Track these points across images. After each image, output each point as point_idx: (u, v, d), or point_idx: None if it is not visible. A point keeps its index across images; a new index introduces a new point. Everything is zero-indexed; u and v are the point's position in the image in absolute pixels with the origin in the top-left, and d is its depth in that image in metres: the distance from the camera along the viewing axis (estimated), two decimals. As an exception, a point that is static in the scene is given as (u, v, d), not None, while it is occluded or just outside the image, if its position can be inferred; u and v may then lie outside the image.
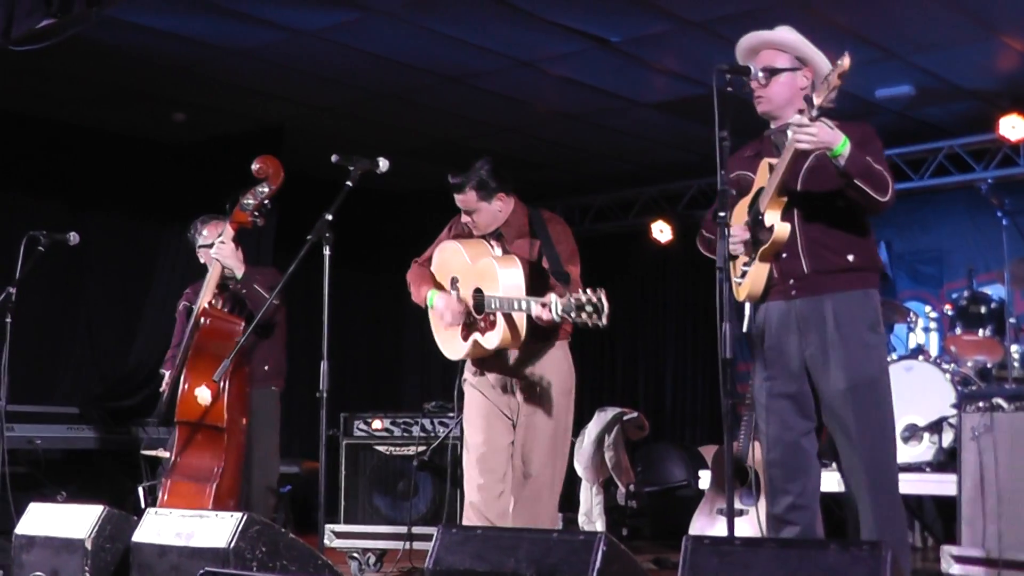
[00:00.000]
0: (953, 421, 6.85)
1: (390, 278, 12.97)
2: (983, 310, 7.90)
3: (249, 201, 6.10)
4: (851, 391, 4.57)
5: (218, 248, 6.18)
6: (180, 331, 6.65)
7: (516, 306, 5.14)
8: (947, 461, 7.04)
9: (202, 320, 6.04)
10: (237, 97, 9.72)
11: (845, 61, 4.24)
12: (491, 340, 5.33)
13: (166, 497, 5.77)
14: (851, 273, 4.67)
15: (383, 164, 5.46)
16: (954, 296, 8.22)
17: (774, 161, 4.65)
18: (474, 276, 5.43)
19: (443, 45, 8.52)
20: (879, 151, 4.66)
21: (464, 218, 5.62)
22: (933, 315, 8.61)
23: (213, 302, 6.20)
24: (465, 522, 5.51)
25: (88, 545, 4.73)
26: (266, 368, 6.38)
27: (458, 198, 5.58)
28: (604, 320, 4.76)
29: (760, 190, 4.70)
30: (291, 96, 9.75)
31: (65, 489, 8.53)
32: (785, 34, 4.82)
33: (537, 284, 5.38)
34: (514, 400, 5.55)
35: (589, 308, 4.77)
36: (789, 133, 4.47)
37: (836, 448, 4.71)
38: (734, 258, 4.80)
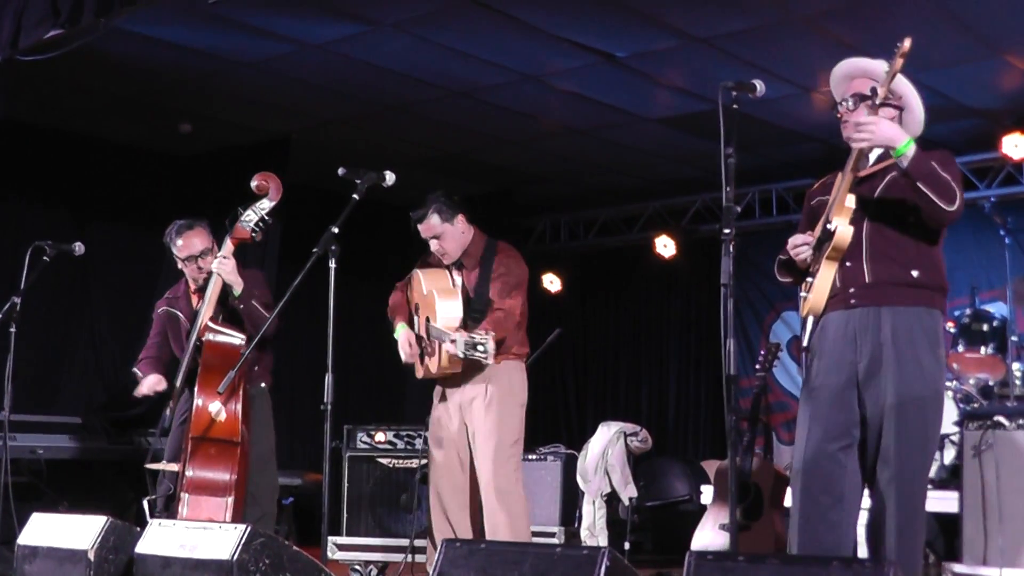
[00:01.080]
0: (955, 438, 6.86)
1: (393, 289, 13.06)
2: (985, 328, 7.90)
3: (250, 217, 6.16)
4: (896, 407, 4.48)
5: (220, 264, 6.16)
6: (156, 333, 6.61)
7: (443, 338, 5.58)
8: (949, 478, 7.04)
9: (205, 338, 6.06)
10: (244, 109, 9.74)
11: (906, 44, 4.22)
12: (432, 365, 5.92)
13: (186, 513, 5.77)
14: (914, 289, 4.60)
15: (390, 177, 5.48)
16: (956, 314, 8.22)
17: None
18: (427, 306, 5.95)
19: (450, 59, 8.54)
20: (951, 165, 4.58)
21: (434, 246, 6.03)
22: (936, 332, 8.60)
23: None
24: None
25: (91, 556, 4.72)
26: (256, 368, 6.38)
27: (422, 228, 6.01)
28: (490, 360, 5.34)
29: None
30: (298, 108, 9.78)
31: (67, 499, 8.53)
32: (879, 64, 4.75)
33: (483, 314, 5.86)
34: (467, 416, 5.96)
35: (480, 348, 5.26)
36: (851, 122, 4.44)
37: (869, 460, 4.61)
38: (803, 276, 4.77)
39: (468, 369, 5.84)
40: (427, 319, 5.91)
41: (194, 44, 8.34)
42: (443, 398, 6.10)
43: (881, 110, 4.57)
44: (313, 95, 9.42)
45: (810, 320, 4.79)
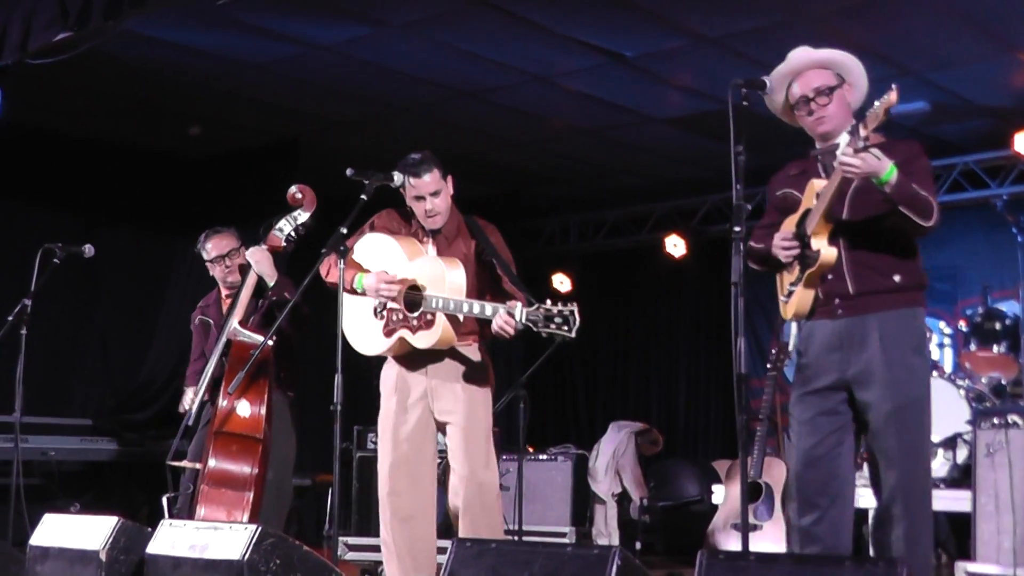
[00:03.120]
0: (967, 438, 6.85)
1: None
2: (998, 327, 7.89)
3: (285, 227, 6.23)
4: (895, 412, 4.54)
5: (253, 252, 6.27)
6: (199, 345, 6.73)
7: (467, 309, 5.12)
8: (961, 478, 7.02)
9: (233, 338, 6.13)
10: (253, 111, 9.74)
11: (892, 96, 4.21)
12: (424, 339, 5.30)
13: (203, 506, 5.80)
14: (897, 294, 4.65)
15: (398, 178, 5.47)
16: (969, 312, 8.21)
17: (821, 184, 4.62)
18: (410, 272, 5.36)
19: (459, 60, 8.54)
20: (925, 170, 4.65)
21: (426, 205, 5.48)
22: (948, 331, 8.60)
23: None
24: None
25: (103, 556, 4.72)
26: (282, 375, 6.41)
27: (420, 181, 5.47)
28: (574, 333, 4.79)
29: (806, 212, 4.68)
30: (306, 110, 9.78)
31: (79, 501, 8.55)
32: (823, 52, 4.80)
33: (480, 288, 5.43)
34: (436, 403, 5.49)
35: (559, 320, 4.79)
36: (838, 155, 4.45)
37: (871, 465, 4.68)
38: (781, 270, 4.82)
39: (445, 350, 5.39)
40: (412, 287, 5.33)
41: (202, 46, 8.35)
42: (398, 387, 5.54)
43: (837, 92, 4.72)
44: (321, 97, 9.42)
45: (794, 325, 4.86)
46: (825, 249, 4.59)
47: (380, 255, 5.51)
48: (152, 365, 10.42)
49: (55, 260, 7.01)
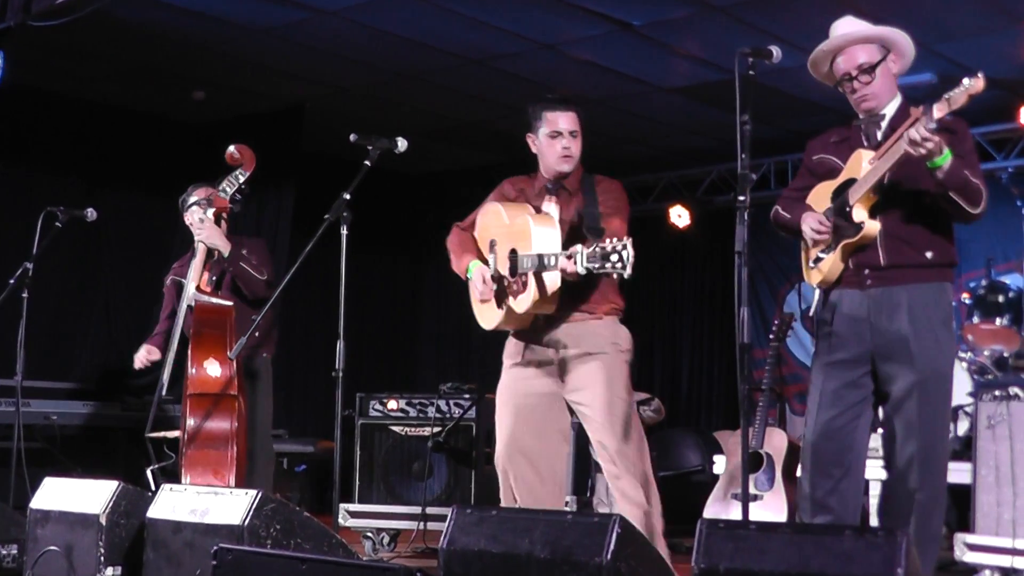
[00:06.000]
0: (969, 410, 6.84)
1: (407, 258, 13.08)
2: (1001, 299, 7.87)
3: (228, 188, 6.38)
4: (919, 384, 4.55)
5: (198, 231, 6.40)
6: (169, 305, 6.77)
7: (545, 263, 4.87)
8: (962, 450, 7.02)
9: (194, 301, 6.23)
10: (257, 76, 9.71)
11: (979, 83, 4.20)
12: (521, 303, 5.06)
13: (188, 471, 5.86)
14: (928, 269, 4.65)
15: (402, 144, 5.44)
16: (972, 285, 8.19)
17: (870, 154, 4.60)
18: (511, 237, 5.14)
19: (465, 26, 8.50)
20: (973, 153, 4.66)
21: (560, 142, 5.27)
22: (951, 304, 8.58)
23: (207, 276, 6.43)
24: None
25: (103, 520, 4.74)
26: (256, 335, 6.42)
27: (562, 115, 5.30)
28: (628, 270, 4.50)
29: (848, 181, 4.66)
30: (312, 76, 9.75)
31: (81, 465, 8.56)
32: (862, 27, 4.77)
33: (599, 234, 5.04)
34: (566, 375, 5.21)
35: (614, 257, 4.52)
36: (908, 133, 4.37)
37: (887, 437, 4.69)
38: (805, 243, 4.81)
39: (562, 315, 5.14)
40: (512, 251, 5.08)
41: (208, 10, 8.31)
42: (523, 357, 5.29)
43: (881, 67, 4.69)
44: (327, 62, 9.39)
45: (817, 292, 4.84)
46: (869, 222, 4.58)
47: (490, 225, 5.31)
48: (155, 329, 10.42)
49: (57, 224, 7.01)
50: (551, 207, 5.30)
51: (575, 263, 4.64)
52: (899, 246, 4.62)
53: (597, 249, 4.56)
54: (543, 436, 5.25)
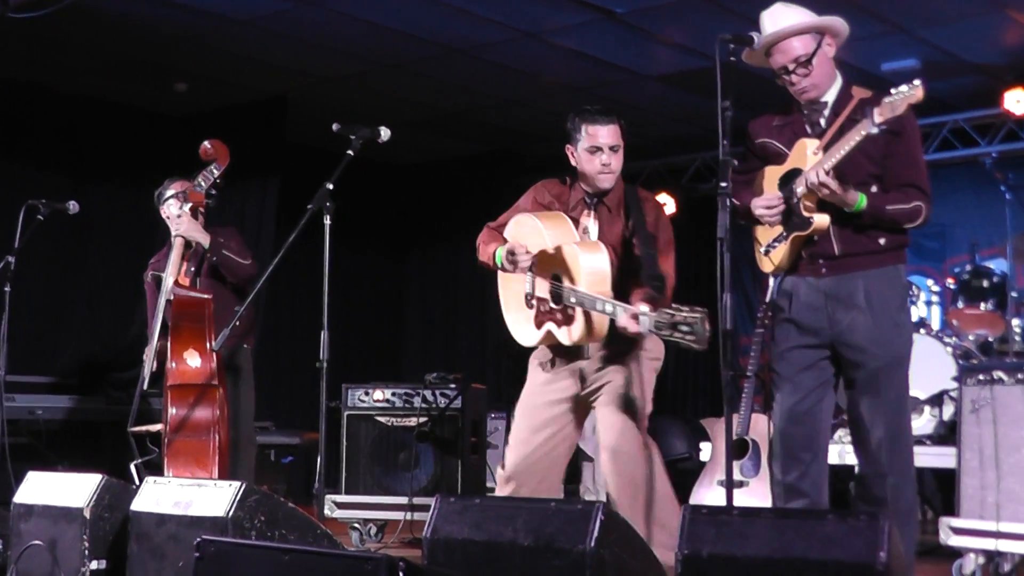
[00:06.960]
0: (954, 394, 6.85)
1: (392, 248, 13.06)
2: (985, 284, 7.89)
3: (203, 183, 6.36)
4: (883, 370, 4.59)
5: (177, 224, 6.38)
6: (152, 301, 6.72)
7: (599, 307, 4.69)
8: (947, 434, 7.04)
9: (172, 295, 6.22)
10: (240, 67, 9.69)
11: (918, 92, 4.20)
12: (567, 335, 4.89)
13: (171, 462, 5.87)
14: (882, 254, 4.67)
15: (385, 133, 5.42)
16: (956, 270, 8.21)
17: (814, 144, 4.59)
18: (553, 260, 4.94)
19: (448, 16, 8.48)
20: (916, 150, 4.69)
21: (599, 158, 5.12)
22: (935, 289, 8.60)
23: (185, 267, 6.40)
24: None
25: (87, 514, 4.72)
26: (238, 325, 6.42)
27: (602, 129, 5.16)
28: (701, 345, 4.33)
29: (794, 171, 4.65)
30: (295, 66, 9.72)
31: (66, 460, 8.54)
32: (793, 17, 4.70)
33: (624, 276, 4.95)
34: (582, 383, 5.12)
35: (684, 328, 4.35)
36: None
37: (853, 423, 4.71)
38: (757, 223, 4.81)
39: (606, 349, 4.99)
40: (555, 276, 4.92)
41: (190, 1, 8.28)
42: (552, 364, 5.16)
43: (817, 56, 4.64)
44: (310, 53, 9.36)
45: (772, 279, 4.85)
46: (818, 216, 4.58)
47: (527, 238, 5.04)
48: (141, 321, 10.37)
49: (39, 217, 7.00)
50: (590, 223, 5.16)
51: (639, 325, 4.54)
52: (852, 235, 4.64)
53: (665, 316, 4.40)
54: (554, 455, 5.20)
